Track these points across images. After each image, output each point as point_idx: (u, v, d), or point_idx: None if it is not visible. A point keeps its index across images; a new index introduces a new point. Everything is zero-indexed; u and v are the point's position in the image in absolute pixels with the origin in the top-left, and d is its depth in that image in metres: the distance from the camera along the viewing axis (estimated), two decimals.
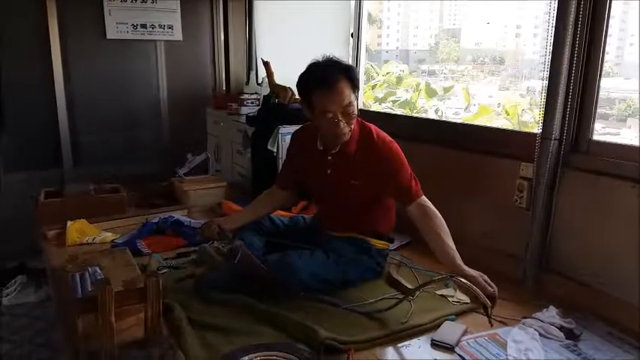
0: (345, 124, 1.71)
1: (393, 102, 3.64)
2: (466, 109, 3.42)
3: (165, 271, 1.88)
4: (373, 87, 3.97)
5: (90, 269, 1.63)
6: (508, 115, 3.11)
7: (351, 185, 1.81)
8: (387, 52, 4.37)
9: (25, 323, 2.81)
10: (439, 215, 1.75)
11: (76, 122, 3.60)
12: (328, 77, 1.67)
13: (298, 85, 1.76)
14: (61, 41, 3.45)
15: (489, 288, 1.58)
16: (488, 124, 2.92)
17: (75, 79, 3.56)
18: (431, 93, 3.72)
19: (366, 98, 3.84)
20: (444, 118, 3.32)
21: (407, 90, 3.85)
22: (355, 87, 1.72)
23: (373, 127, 1.85)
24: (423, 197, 1.79)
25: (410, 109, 3.61)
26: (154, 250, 2.08)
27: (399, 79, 3.99)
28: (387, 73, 4.02)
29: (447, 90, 3.64)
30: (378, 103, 3.84)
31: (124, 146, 3.82)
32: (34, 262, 3.18)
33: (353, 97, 1.70)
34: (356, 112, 1.73)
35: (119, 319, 1.39)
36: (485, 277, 1.60)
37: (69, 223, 2.26)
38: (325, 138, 1.82)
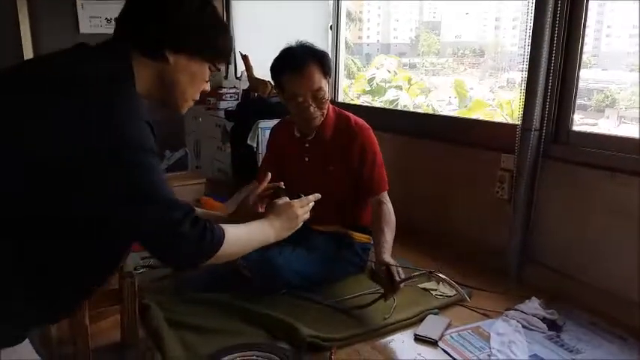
0: (316, 109, 1.71)
1: (392, 102, 3.58)
2: (463, 104, 3.40)
3: (142, 270, 1.84)
4: (370, 81, 3.90)
5: None
6: (502, 109, 3.10)
7: (329, 171, 1.80)
8: (367, 45, 4.35)
9: None
10: (392, 214, 1.74)
11: None
12: (298, 61, 1.67)
13: (271, 69, 1.75)
14: (32, 36, 3.37)
15: (395, 278, 1.50)
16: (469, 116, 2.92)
17: None
18: (423, 88, 3.70)
19: (356, 90, 3.80)
20: (430, 111, 3.32)
21: (399, 86, 3.81)
22: (327, 73, 1.71)
23: (351, 114, 1.85)
24: (385, 194, 1.79)
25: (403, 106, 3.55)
26: (131, 249, 2.03)
27: (393, 74, 3.94)
28: (381, 66, 3.94)
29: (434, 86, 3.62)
30: (371, 98, 3.79)
31: None
32: None
33: (324, 82, 1.70)
34: (327, 97, 1.73)
35: (94, 322, 1.35)
36: (400, 269, 1.53)
37: None
38: (299, 123, 1.82)
